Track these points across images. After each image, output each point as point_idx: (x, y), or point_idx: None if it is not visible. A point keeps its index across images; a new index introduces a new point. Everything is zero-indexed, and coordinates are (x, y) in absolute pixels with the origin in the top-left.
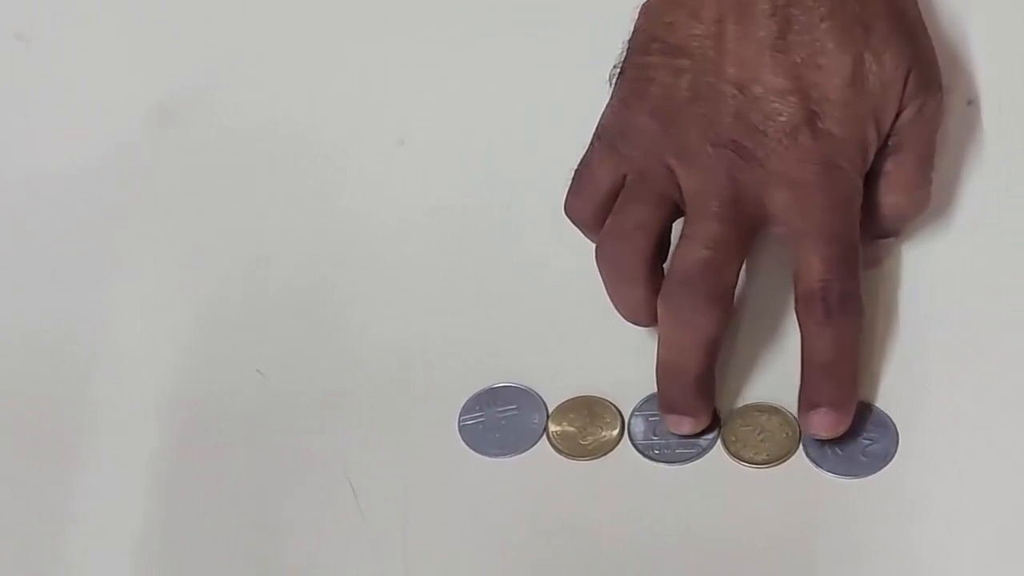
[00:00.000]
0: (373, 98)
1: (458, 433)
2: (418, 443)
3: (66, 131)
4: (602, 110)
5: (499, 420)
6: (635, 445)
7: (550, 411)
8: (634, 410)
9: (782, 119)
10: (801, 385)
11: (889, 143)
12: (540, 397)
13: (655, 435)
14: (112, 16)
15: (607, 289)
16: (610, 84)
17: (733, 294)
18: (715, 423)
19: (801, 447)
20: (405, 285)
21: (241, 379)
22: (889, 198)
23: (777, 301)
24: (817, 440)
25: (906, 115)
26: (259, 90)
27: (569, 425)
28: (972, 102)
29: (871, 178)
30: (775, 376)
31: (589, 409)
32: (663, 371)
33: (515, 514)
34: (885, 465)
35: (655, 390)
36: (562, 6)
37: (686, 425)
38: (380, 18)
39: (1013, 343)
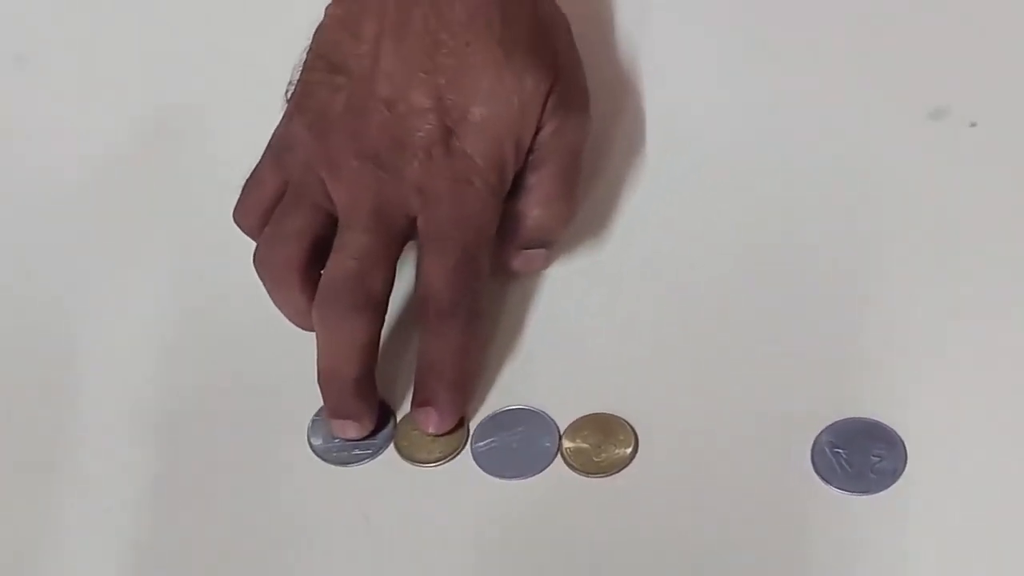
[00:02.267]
0: None
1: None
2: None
3: (62, 146)
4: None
5: (511, 443)
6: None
7: (562, 430)
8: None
9: (420, 135)
10: (415, 383)
11: (532, 158)
12: (550, 418)
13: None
14: (107, 36)
15: (268, 293)
16: (285, 100)
17: (383, 300)
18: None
19: (811, 463)
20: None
21: (245, 393)
22: (532, 211)
23: None
24: (826, 457)
25: (545, 132)
26: (254, 105)
27: (583, 442)
28: (976, 124)
29: (517, 191)
30: None
31: (602, 427)
32: (322, 378)
33: (534, 534)
34: (894, 482)
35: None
36: None
37: (351, 429)
38: None
39: (1022, 360)
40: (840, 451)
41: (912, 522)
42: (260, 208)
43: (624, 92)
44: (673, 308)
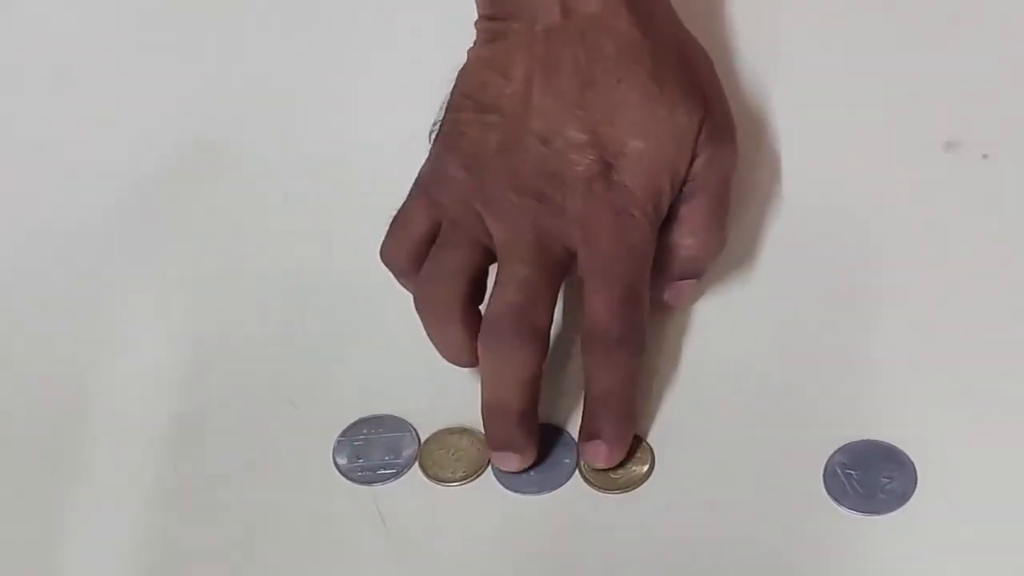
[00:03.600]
0: (386, 131)
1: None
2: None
3: (100, 164)
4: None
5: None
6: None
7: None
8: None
9: (579, 169)
10: (582, 417)
11: (684, 189)
12: (570, 435)
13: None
14: (147, 56)
15: (427, 332)
16: (429, 140)
17: (546, 333)
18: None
19: (823, 484)
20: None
21: (271, 413)
22: (684, 240)
23: None
24: (837, 478)
25: (699, 163)
26: (280, 129)
27: None
28: (988, 156)
29: (669, 223)
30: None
31: None
32: (487, 410)
33: (553, 549)
34: (904, 503)
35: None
36: None
37: (513, 462)
38: (397, 56)
39: None
40: (852, 472)
41: (922, 543)
42: (412, 247)
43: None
44: (690, 329)
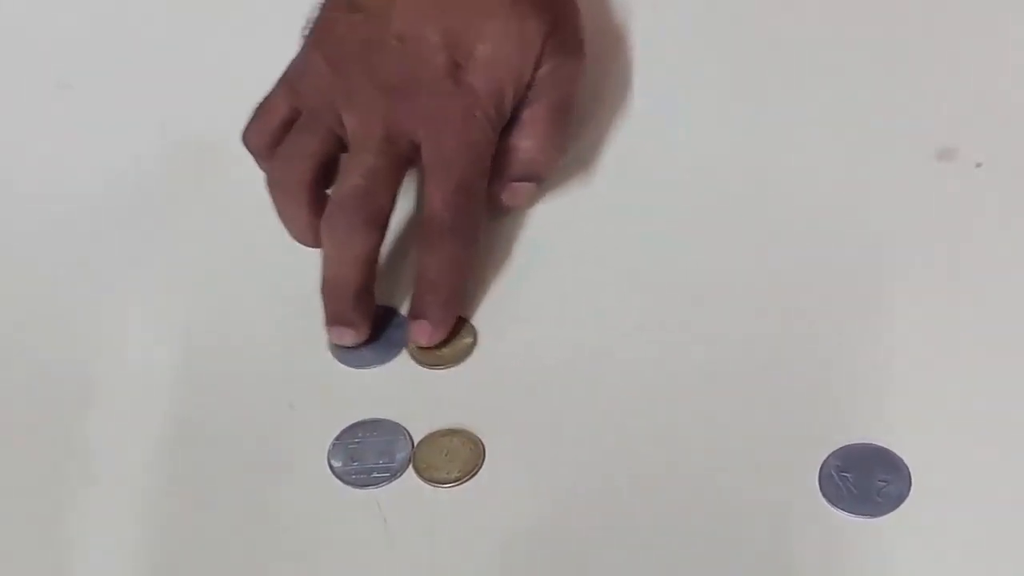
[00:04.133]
0: None
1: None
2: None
3: (100, 170)
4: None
5: None
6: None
7: None
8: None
9: (430, 68)
10: (412, 297)
11: (528, 95)
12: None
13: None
14: (146, 63)
15: (276, 210)
16: (302, 36)
17: (387, 218)
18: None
19: (818, 487)
20: None
21: (265, 415)
22: (523, 143)
23: None
24: (832, 481)
25: (543, 71)
26: None
27: None
28: (981, 165)
29: (511, 126)
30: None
31: None
32: (325, 287)
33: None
34: (899, 505)
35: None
36: None
37: (347, 336)
38: None
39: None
40: (847, 475)
41: (916, 545)
42: (270, 131)
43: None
44: (690, 327)
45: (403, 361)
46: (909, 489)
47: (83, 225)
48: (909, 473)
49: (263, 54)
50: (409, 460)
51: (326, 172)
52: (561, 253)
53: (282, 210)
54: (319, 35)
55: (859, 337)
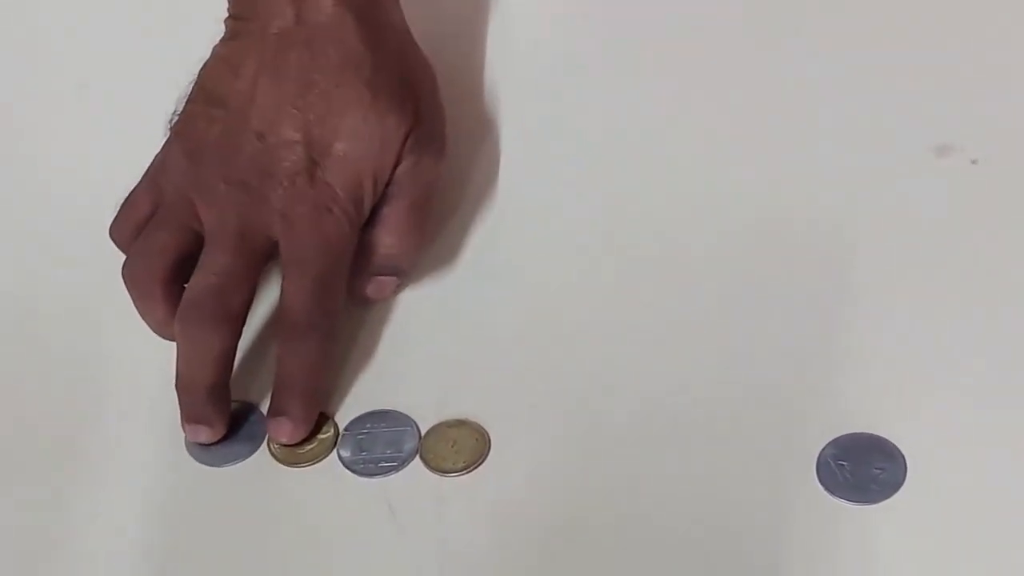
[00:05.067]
0: None
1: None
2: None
3: (119, 171)
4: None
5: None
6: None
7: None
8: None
9: (286, 165)
10: (272, 394)
11: (387, 192)
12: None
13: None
14: (165, 66)
15: (133, 304)
16: (168, 127)
17: (241, 316)
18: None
19: (815, 475)
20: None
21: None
22: (384, 239)
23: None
24: (829, 469)
25: (403, 168)
26: None
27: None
28: (977, 162)
29: (371, 223)
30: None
31: None
32: (179, 384)
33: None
34: (895, 493)
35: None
36: None
37: (202, 434)
38: None
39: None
40: (843, 463)
41: (912, 531)
42: (133, 225)
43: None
44: (691, 325)
45: (261, 457)
46: (904, 477)
47: (100, 223)
48: (905, 461)
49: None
50: (416, 450)
51: (182, 267)
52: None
53: (137, 304)
54: (180, 129)
55: (855, 329)
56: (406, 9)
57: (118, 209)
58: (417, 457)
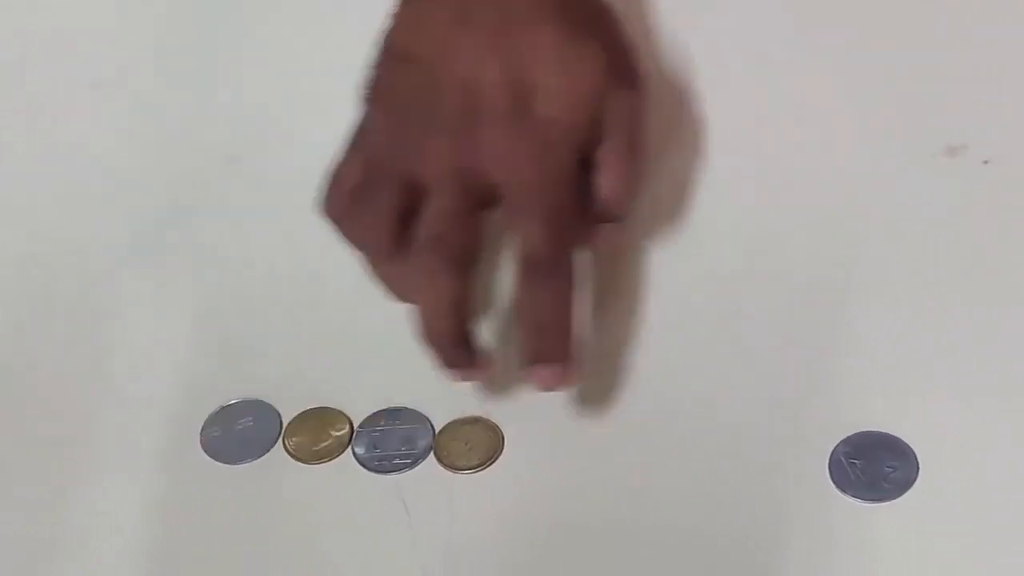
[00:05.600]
0: None
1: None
2: None
3: (132, 169)
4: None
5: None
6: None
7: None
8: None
9: (497, 106)
10: (524, 345)
11: (597, 133)
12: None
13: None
14: (178, 64)
15: (365, 270)
16: (360, 98)
17: (472, 258)
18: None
19: (828, 473)
20: None
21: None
22: (604, 179)
23: None
24: (842, 467)
25: (610, 106)
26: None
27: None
28: (988, 162)
29: (587, 166)
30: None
31: (321, 418)
32: (426, 337)
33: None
34: (907, 491)
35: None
36: None
37: (473, 375)
38: None
39: None
40: (855, 461)
41: (924, 529)
42: (344, 196)
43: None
44: (693, 322)
45: (276, 454)
46: (916, 475)
47: (105, 223)
48: (917, 459)
49: (293, 60)
50: (430, 447)
51: (406, 224)
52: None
53: (369, 267)
54: (375, 92)
55: (866, 327)
56: None
57: (325, 184)
58: (431, 454)
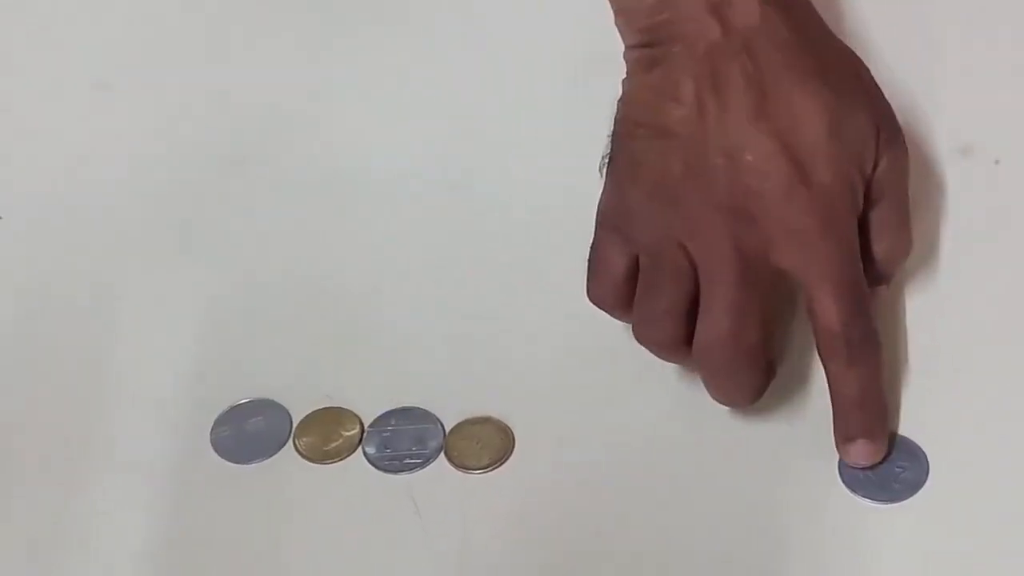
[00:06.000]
0: (435, 139)
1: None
2: None
3: (136, 170)
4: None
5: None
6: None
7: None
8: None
9: (776, 179)
10: (835, 423)
11: (870, 195)
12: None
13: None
14: (183, 65)
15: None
16: (601, 174)
17: (764, 350)
18: None
19: (838, 474)
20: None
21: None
22: (880, 244)
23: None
24: (853, 468)
25: (882, 167)
26: (320, 137)
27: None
28: (1000, 162)
29: (862, 231)
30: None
31: (332, 418)
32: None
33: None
34: (917, 492)
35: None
36: None
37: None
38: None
39: None
40: None
41: (933, 530)
42: (614, 285)
43: None
44: None
45: (287, 454)
46: (927, 476)
47: (113, 224)
48: (927, 461)
49: (302, 61)
50: (441, 447)
51: (694, 315)
52: None
53: (669, 363)
54: (630, 170)
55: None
56: None
57: (589, 271)
58: (442, 454)
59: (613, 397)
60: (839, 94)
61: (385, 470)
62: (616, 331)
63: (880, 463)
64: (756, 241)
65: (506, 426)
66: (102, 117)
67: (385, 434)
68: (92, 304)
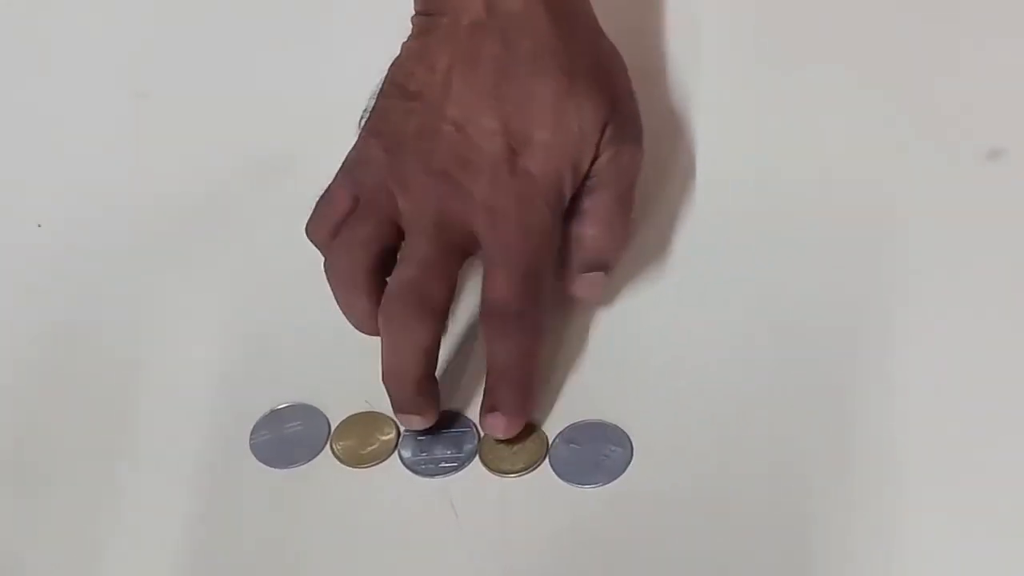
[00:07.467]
0: None
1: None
2: None
3: (174, 178)
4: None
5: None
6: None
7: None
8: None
9: (487, 155)
10: (484, 390)
11: (588, 184)
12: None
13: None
14: (220, 75)
15: (336, 299)
16: (358, 127)
17: (443, 307)
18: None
19: (548, 461)
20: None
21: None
22: (589, 232)
23: None
24: (559, 452)
25: (603, 159)
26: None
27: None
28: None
29: (574, 216)
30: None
31: (369, 423)
32: (386, 376)
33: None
34: (622, 474)
35: None
36: None
37: (416, 422)
38: None
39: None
40: (575, 446)
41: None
42: (331, 223)
43: (675, 130)
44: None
45: (324, 458)
46: (631, 458)
47: (151, 230)
48: (632, 444)
49: (334, 66)
50: (476, 451)
51: (385, 260)
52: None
53: (340, 298)
54: (375, 124)
55: (904, 331)
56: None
57: (315, 208)
58: (476, 458)
59: (647, 402)
60: (574, 86)
61: (421, 474)
62: (650, 338)
63: (583, 451)
64: (459, 207)
65: (540, 430)
66: (141, 125)
67: (421, 438)
68: (131, 310)
